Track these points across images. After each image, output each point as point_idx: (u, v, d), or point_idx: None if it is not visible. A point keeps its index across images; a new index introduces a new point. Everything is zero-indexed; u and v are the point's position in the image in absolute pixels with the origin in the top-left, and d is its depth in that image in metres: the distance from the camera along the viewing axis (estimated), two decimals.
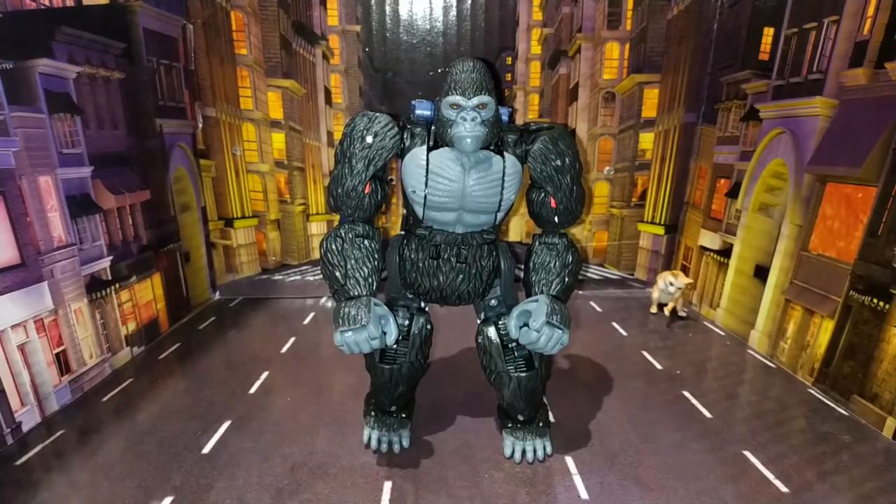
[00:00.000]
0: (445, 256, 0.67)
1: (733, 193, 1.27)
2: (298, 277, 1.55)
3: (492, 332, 0.69)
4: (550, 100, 1.54)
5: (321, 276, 0.67)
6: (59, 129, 0.94)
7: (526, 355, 0.69)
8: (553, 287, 0.66)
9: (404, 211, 0.71)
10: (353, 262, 0.63)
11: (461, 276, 0.68)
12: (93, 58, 1.02)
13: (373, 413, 0.74)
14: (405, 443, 0.73)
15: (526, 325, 0.62)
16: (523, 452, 0.72)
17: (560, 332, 0.61)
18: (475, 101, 0.60)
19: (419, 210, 0.65)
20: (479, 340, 0.71)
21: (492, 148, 0.63)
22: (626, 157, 1.52)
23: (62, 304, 0.94)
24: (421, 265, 0.68)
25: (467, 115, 0.59)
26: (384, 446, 0.72)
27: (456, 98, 0.60)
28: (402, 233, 0.71)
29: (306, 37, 1.45)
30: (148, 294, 1.19)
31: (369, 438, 0.73)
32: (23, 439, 0.83)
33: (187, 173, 1.35)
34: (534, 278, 0.67)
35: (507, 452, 0.73)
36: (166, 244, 1.27)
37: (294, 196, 1.54)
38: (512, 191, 0.64)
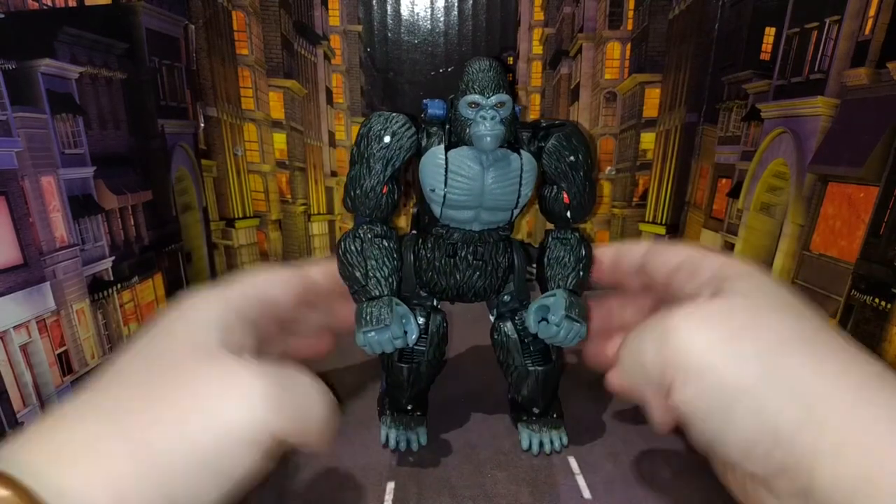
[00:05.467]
0: (462, 254, 0.68)
1: (734, 193, 1.27)
2: None
3: (509, 327, 0.69)
4: (552, 100, 1.54)
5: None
6: (61, 130, 0.94)
7: (542, 349, 0.70)
8: (569, 281, 0.66)
9: (414, 210, 0.71)
10: (373, 261, 0.63)
11: (478, 273, 0.68)
12: (95, 58, 1.02)
13: (388, 412, 0.74)
14: (423, 440, 0.74)
15: (544, 319, 0.62)
16: (540, 444, 0.73)
17: (578, 324, 0.61)
18: (494, 99, 0.60)
19: (437, 209, 0.65)
20: (496, 337, 0.71)
21: (505, 145, 0.63)
22: (628, 157, 1.52)
23: (64, 305, 0.94)
24: (437, 263, 0.68)
25: (486, 113, 0.59)
26: (402, 444, 0.73)
27: (475, 97, 0.60)
28: (414, 232, 0.71)
29: (308, 37, 1.45)
30: (150, 294, 1.19)
31: (387, 437, 0.73)
32: None
33: (189, 174, 1.35)
34: (549, 273, 0.68)
35: (525, 445, 0.73)
36: (168, 244, 1.27)
37: (295, 196, 1.54)
38: (529, 187, 0.64)
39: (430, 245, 0.69)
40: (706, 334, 0.37)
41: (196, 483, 0.33)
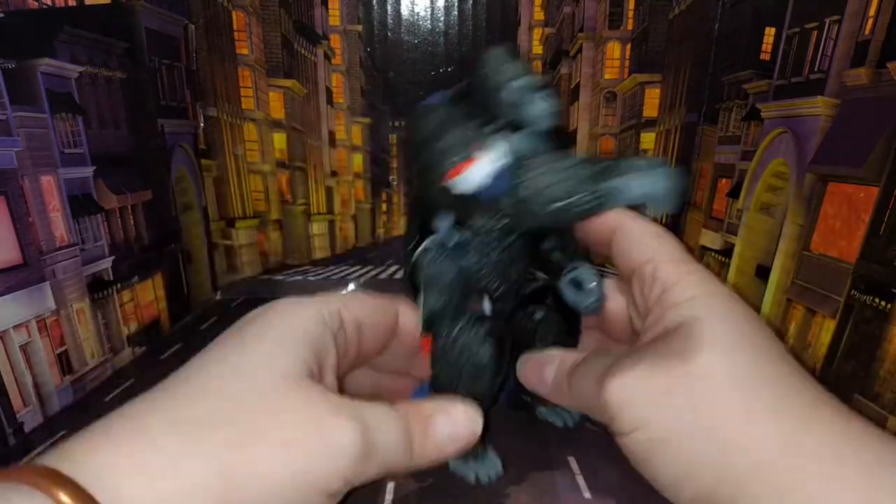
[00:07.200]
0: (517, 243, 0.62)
1: (734, 193, 1.27)
2: (300, 278, 1.56)
3: (545, 310, 0.64)
4: None
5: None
6: (61, 129, 0.94)
7: (572, 327, 0.66)
8: (575, 249, 0.65)
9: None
10: None
11: (527, 259, 0.63)
12: (95, 57, 1.02)
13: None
14: (499, 467, 0.66)
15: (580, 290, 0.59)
16: (563, 419, 0.71)
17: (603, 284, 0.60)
18: (539, 79, 0.58)
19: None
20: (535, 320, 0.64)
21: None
22: (628, 157, 1.52)
23: (64, 305, 0.94)
24: (495, 257, 0.58)
25: (542, 93, 0.58)
26: (492, 477, 0.64)
27: (527, 79, 0.58)
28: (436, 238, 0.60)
29: (308, 36, 1.45)
30: (149, 294, 1.19)
31: (476, 475, 0.64)
32: (25, 439, 0.83)
33: (189, 173, 1.35)
34: (552, 255, 0.65)
35: (560, 423, 0.70)
36: (168, 244, 1.27)
37: (295, 196, 1.54)
38: None
39: (479, 241, 0.58)
40: (643, 392, 0.38)
41: None
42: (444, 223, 0.52)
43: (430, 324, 0.51)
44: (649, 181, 0.48)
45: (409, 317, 0.50)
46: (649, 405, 0.36)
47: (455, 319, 0.51)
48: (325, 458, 0.33)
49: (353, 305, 0.47)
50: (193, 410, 0.34)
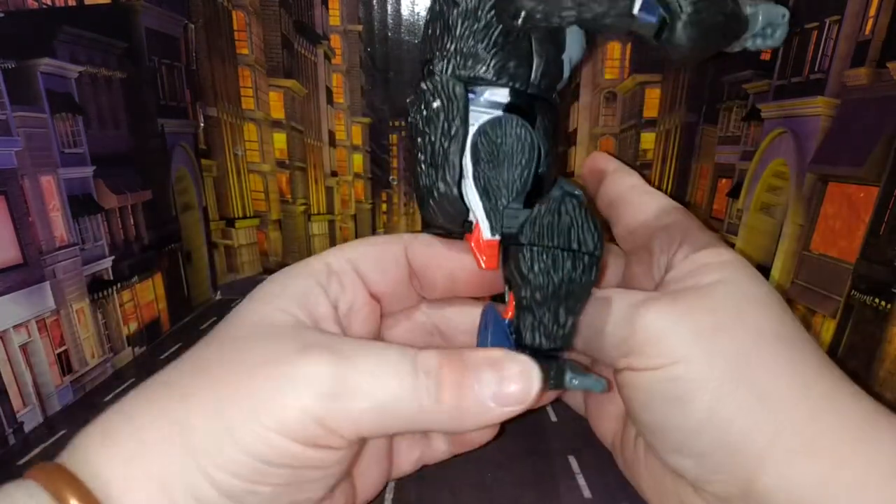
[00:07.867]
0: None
1: (734, 193, 1.27)
2: None
3: None
4: None
5: None
6: (60, 129, 0.94)
7: None
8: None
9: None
10: None
11: None
12: (95, 57, 1.02)
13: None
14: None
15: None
16: None
17: None
18: None
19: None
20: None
21: None
22: (628, 156, 1.52)
23: (64, 305, 0.94)
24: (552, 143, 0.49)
25: None
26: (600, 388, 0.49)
27: None
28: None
29: (308, 36, 1.45)
30: (149, 294, 1.19)
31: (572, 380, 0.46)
32: (25, 439, 0.83)
33: (189, 173, 1.35)
34: None
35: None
36: (168, 244, 1.27)
37: (295, 196, 1.54)
38: None
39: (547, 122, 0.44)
40: (684, 327, 0.36)
41: (248, 477, 0.31)
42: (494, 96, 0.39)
43: (502, 219, 0.39)
44: (776, 10, 0.44)
45: (417, 245, 0.44)
46: (692, 341, 0.34)
47: (539, 197, 0.40)
48: (285, 391, 0.31)
49: (345, 251, 0.44)
50: (177, 387, 0.33)
